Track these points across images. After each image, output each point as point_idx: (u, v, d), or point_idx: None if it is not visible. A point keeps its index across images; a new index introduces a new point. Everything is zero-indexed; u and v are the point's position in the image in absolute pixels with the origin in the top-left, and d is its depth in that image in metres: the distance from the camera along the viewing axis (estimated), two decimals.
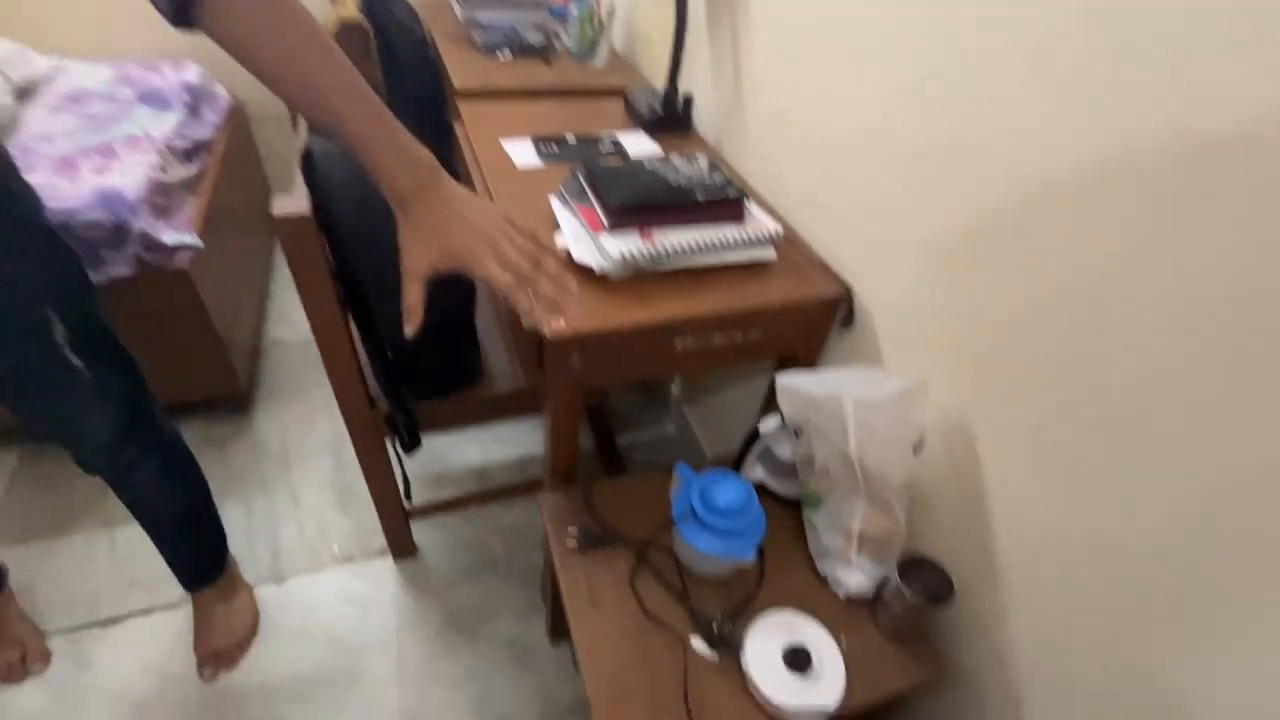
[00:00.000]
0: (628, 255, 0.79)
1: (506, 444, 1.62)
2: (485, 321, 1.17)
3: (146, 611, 1.21)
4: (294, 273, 0.77)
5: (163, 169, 1.34)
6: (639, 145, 1.16)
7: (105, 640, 1.17)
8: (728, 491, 0.79)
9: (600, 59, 1.53)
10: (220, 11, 0.49)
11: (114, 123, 1.42)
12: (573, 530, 0.87)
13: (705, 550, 0.77)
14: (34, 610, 1.18)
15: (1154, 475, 0.56)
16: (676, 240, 0.82)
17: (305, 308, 0.82)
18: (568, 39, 1.58)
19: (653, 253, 0.80)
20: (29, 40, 1.58)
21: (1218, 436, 0.51)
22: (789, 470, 0.92)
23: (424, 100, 1.51)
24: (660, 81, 1.24)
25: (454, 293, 0.98)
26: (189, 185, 1.43)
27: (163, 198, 1.31)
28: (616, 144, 1.15)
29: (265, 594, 1.26)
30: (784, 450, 0.91)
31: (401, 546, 1.32)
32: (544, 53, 1.56)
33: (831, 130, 0.91)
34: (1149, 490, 0.57)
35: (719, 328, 0.84)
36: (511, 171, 1.04)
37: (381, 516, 1.22)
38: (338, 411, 0.97)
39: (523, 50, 1.55)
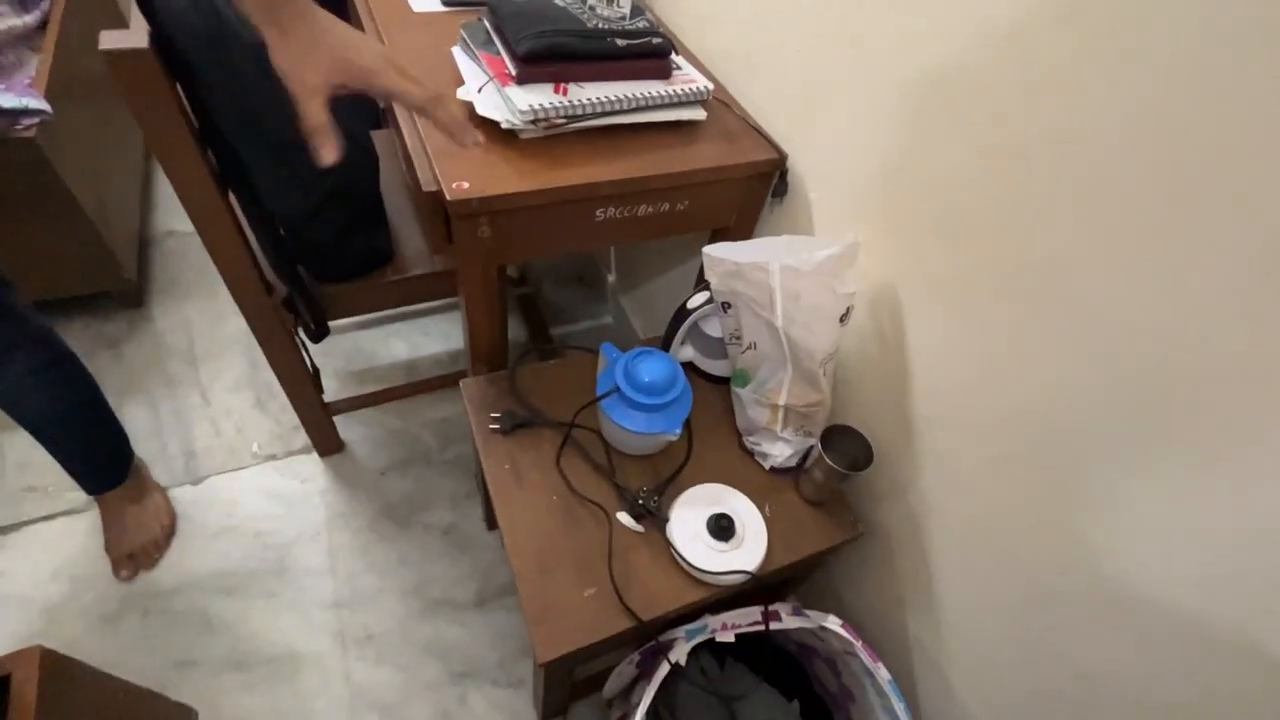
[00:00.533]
0: (538, 108, 0.70)
1: (435, 339, 1.55)
2: (396, 198, 1.06)
3: (48, 518, 1.14)
4: (141, 126, 0.66)
5: None
6: None
7: (5, 548, 1.10)
8: (653, 367, 0.76)
9: None
10: None
11: None
12: (495, 414, 0.83)
13: (630, 427, 0.75)
14: None
15: (1069, 340, 0.56)
16: (594, 94, 0.74)
17: (164, 170, 0.71)
18: None
19: (567, 106, 0.72)
20: None
21: (1132, 304, 0.50)
22: (718, 348, 0.90)
23: None
24: None
25: (353, 158, 0.87)
26: (27, 39, 1.21)
27: None
28: None
29: (181, 495, 1.20)
30: (712, 327, 0.89)
31: (326, 442, 1.27)
32: None
33: None
34: (1062, 355, 0.56)
35: (643, 195, 0.78)
36: (407, 16, 0.91)
37: (299, 411, 1.16)
38: None
39: None
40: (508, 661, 1.09)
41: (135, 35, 0.62)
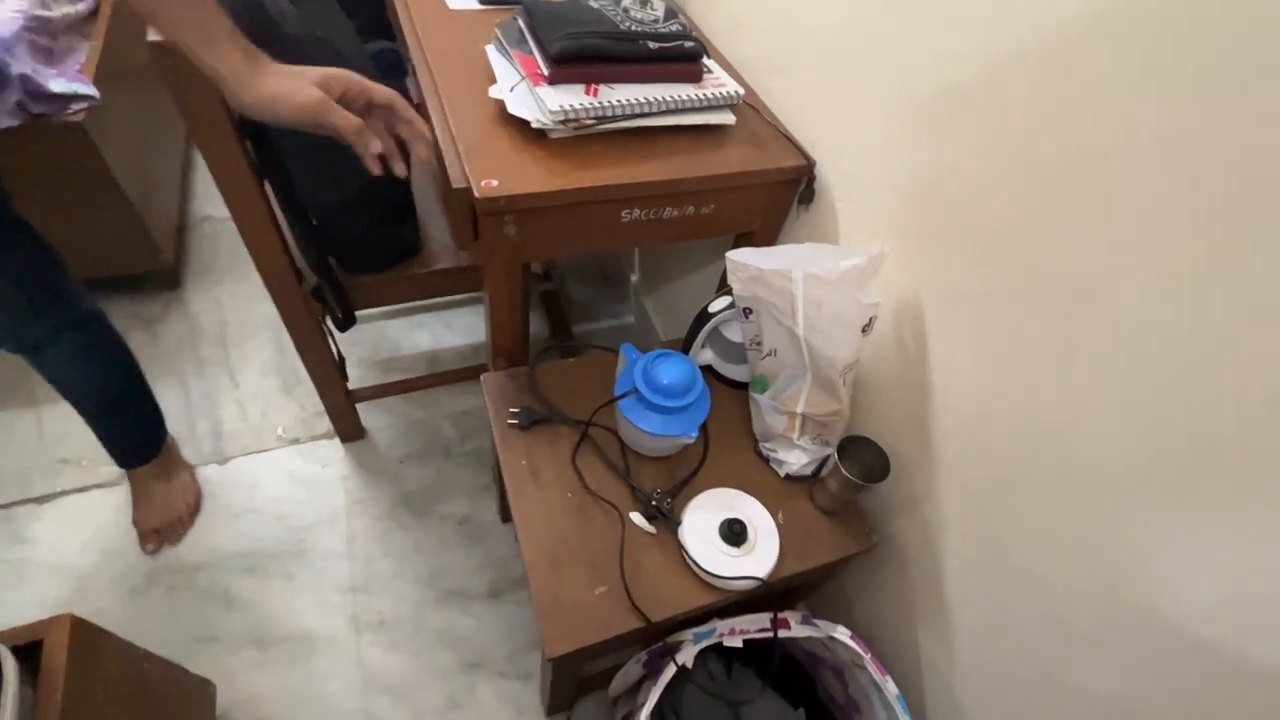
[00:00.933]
0: (568, 109, 0.71)
1: (458, 331, 1.57)
2: (424, 192, 1.08)
3: (81, 489, 1.18)
4: (184, 116, 0.68)
5: (43, 4, 1.15)
6: None
7: (41, 517, 1.14)
8: (671, 370, 0.77)
9: None
10: None
11: None
12: (514, 409, 0.84)
13: (646, 428, 0.76)
14: None
15: (1099, 360, 0.55)
16: (624, 95, 0.74)
17: (205, 159, 0.73)
18: None
19: (597, 107, 0.72)
20: None
21: (1168, 331, 0.49)
22: (738, 353, 0.90)
23: None
24: None
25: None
26: (78, 26, 1.25)
27: (46, 38, 1.13)
28: None
29: (208, 474, 1.23)
30: (733, 332, 0.89)
31: (348, 429, 1.29)
32: None
33: None
34: (1091, 377, 0.55)
35: (669, 198, 0.79)
36: (444, 13, 0.92)
37: (324, 398, 1.18)
38: None
39: None
40: (517, 654, 1.10)
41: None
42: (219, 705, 0.98)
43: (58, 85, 1.08)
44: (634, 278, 1.66)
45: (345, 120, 0.55)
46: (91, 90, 1.12)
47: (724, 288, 0.84)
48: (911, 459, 0.78)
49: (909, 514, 0.81)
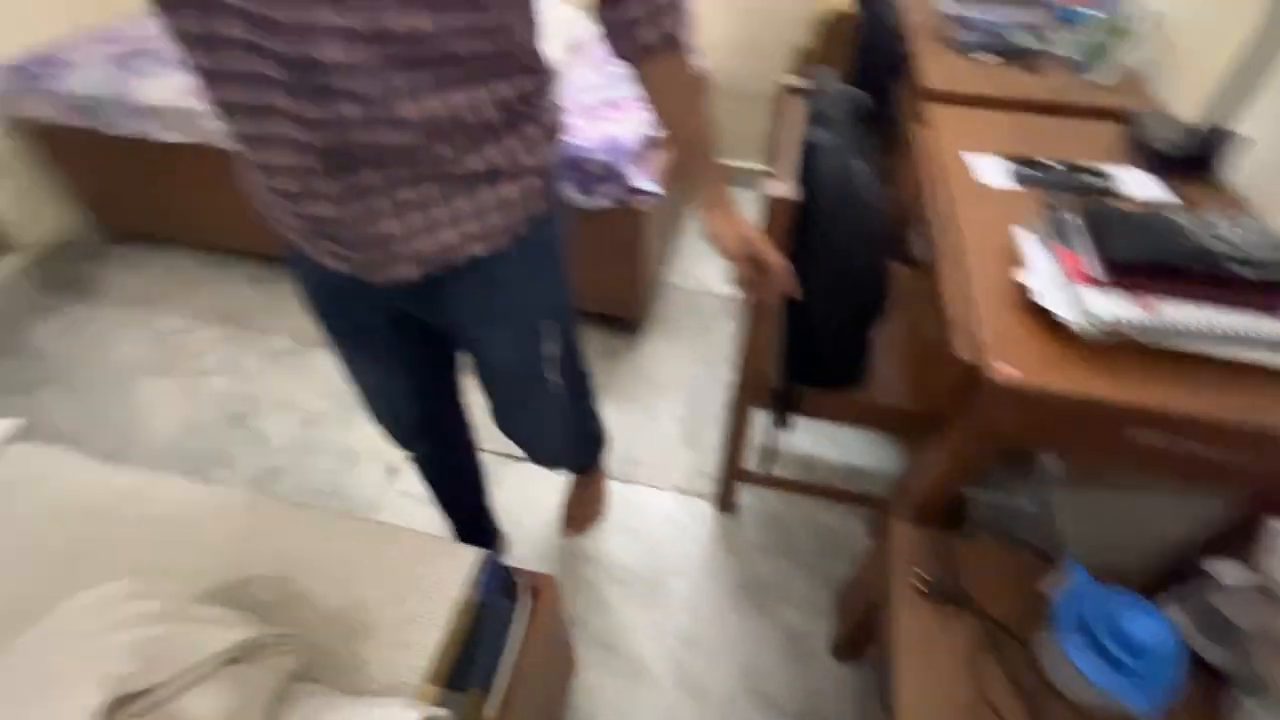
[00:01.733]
0: (1119, 320, 0.68)
1: (840, 448, 1.61)
2: (881, 330, 1.15)
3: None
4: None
5: (650, 125, 1.61)
6: (1140, 186, 0.97)
7: (511, 469, 1.53)
8: (1145, 626, 0.66)
9: (1106, 73, 1.31)
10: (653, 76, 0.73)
11: (623, 81, 1.74)
12: (923, 573, 0.83)
13: (1093, 678, 0.66)
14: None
15: None
16: (1190, 317, 0.68)
17: None
18: (1067, 45, 1.39)
19: (1154, 328, 0.68)
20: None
21: None
22: (1223, 632, 0.72)
23: (874, 86, 1.50)
24: (1186, 108, 1.02)
25: (873, 291, 0.98)
26: (657, 141, 1.70)
27: (644, 149, 1.58)
28: (1109, 179, 0.99)
29: (615, 489, 1.50)
30: (1234, 610, 0.72)
31: (725, 499, 1.43)
32: (1032, 58, 1.41)
33: None
34: None
35: (1201, 435, 0.69)
36: (971, 187, 0.98)
37: (722, 466, 1.34)
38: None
39: (1006, 53, 1.43)
40: None
41: (790, 187, 0.83)
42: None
43: (642, 183, 1.49)
44: (1052, 466, 1.47)
45: (739, 273, 0.80)
46: (660, 190, 1.51)
47: (1220, 546, 0.69)
48: None
49: None
